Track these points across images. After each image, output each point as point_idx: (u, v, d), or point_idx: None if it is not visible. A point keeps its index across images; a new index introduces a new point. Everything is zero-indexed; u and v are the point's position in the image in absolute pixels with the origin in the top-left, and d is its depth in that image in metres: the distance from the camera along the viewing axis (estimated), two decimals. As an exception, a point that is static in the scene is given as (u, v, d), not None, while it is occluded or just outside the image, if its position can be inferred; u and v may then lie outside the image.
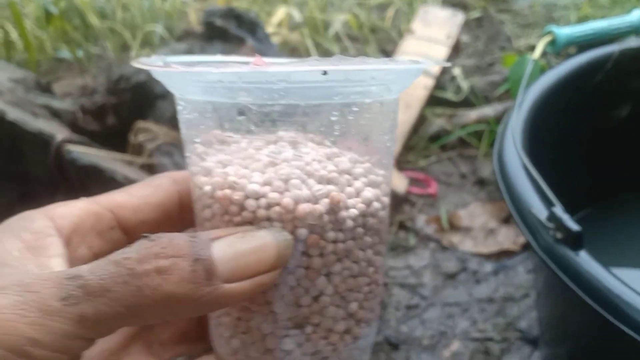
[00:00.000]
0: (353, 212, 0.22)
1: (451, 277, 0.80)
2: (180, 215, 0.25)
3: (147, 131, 0.96)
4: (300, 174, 0.21)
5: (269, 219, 0.21)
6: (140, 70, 0.99)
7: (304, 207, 0.21)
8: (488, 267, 0.80)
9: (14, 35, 1.23)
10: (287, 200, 0.21)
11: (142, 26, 1.28)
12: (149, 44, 1.28)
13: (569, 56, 0.70)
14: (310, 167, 0.22)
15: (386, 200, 0.23)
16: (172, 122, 0.98)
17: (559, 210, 0.45)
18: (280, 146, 0.22)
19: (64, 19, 1.31)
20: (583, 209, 0.66)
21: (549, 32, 0.67)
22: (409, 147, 0.96)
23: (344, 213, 0.21)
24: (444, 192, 0.92)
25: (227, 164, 0.22)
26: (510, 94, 0.94)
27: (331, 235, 0.22)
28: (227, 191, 0.21)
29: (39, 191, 0.87)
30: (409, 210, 0.88)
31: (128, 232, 0.24)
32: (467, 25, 1.23)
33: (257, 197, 0.21)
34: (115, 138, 0.95)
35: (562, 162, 0.63)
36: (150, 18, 1.31)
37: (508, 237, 0.83)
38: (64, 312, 0.18)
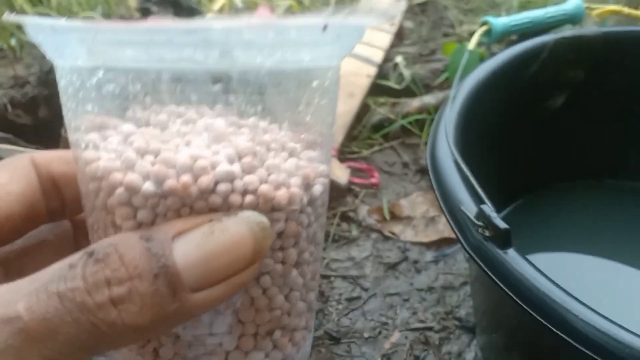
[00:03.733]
0: (318, 189, 0.19)
1: (392, 267, 0.80)
2: (46, 203, 0.21)
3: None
4: (264, 148, 0.18)
5: (241, 207, 0.17)
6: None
7: (283, 194, 0.17)
8: (428, 256, 0.81)
9: (-61, 21, 1.16)
10: (266, 186, 0.17)
11: (78, 13, 1.22)
12: (85, 30, 1.23)
13: (510, 43, 0.71)
14: (263, 139, 0.18)
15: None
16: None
17: (487, 208, 0.45)
18: (195, 121, 0.18)
19: (-7, 4, 1.24)
20: (517, 199, 0.67)
21: (485, 23, 0.67)
22: (352, 136, 0.95)
23: (313, 191, 0.19)
24: (386, 181, 0.92)
25: (150, 150, 0.18)
26: (450, 83, 0.94)
27: (305, 219, 0.19)
28: (186, 178, 0.17)
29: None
30: (352, 201, 0.87)
31: None
32: (411, 11, 1.23)
33: (230, 179, 0.17)
34: (47, 132, 0.91)
35: (496, 153, 0.64)
36: (87, 4, 1.25)
37: (447, 226, 0.83)
38: None
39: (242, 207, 0.17)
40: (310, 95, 0.19)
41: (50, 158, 0.21)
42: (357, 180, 0.89)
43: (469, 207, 0.46)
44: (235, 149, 0.17)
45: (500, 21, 0.68)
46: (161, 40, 0.16)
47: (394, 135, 0.96)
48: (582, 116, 0.69)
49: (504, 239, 0.43)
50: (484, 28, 0.67)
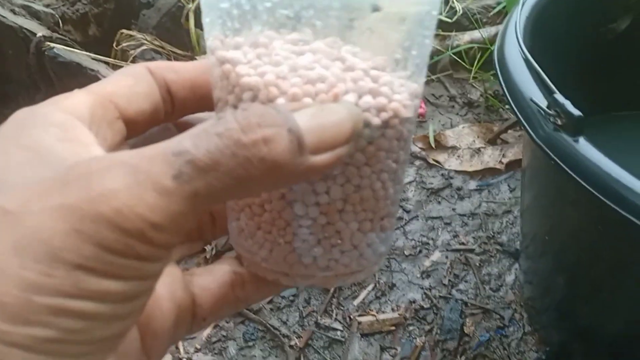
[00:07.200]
0: (417, 102, 0.23)
1: (435, 192, 0.80)
2: (163, 105, 0.24)
3: (131, 38, 0.92)
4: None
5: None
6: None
7: (401, 106, 0.21)
8: (472, 184, 0.81)
9: None
10: (395, 103, 0.21)
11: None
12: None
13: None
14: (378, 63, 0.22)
15: None
16: (157, 30, 0.95)
17: (559, 96, 0.44)
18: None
19: None
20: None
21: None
22: (399, 67, 0.95)
23: (415, 104, 0.23)
24: (432, 112, 0.91)
25: (299, 67, 0.21)
26: (503, 17, 0.93)
27: (411, 126, 0.23)
28: (339, 89, 0.21)
29: (19, 92, 0.84)
30: (397, 128, 0.87)
31: (127, 122, 0.23)
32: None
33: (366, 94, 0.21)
34: (97, 48, 0.91)
35: (556, 71, 0.63)
36: None
37: (493, 157, 0.83)
38: (178, 190, 0.17)
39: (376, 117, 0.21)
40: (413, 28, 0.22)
41: (162, 67, 0.24)
42: (402, 109, 0.89)
43: (539, 99, 0.46)
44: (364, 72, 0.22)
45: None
46: None
47: (443, 68, 0.95)
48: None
49: (577, 126, 0.43)
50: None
